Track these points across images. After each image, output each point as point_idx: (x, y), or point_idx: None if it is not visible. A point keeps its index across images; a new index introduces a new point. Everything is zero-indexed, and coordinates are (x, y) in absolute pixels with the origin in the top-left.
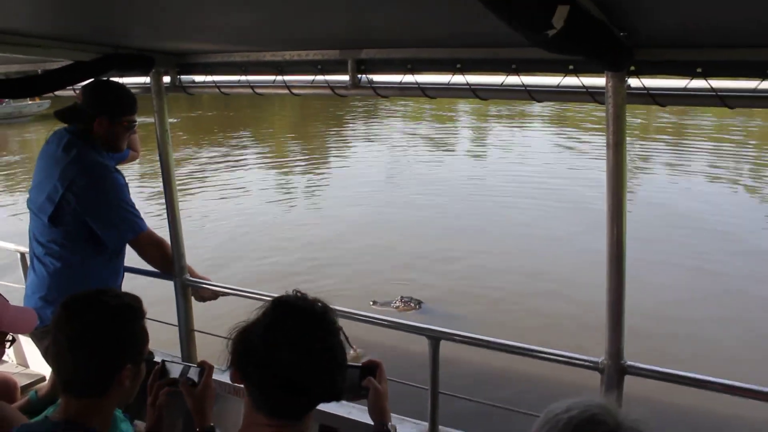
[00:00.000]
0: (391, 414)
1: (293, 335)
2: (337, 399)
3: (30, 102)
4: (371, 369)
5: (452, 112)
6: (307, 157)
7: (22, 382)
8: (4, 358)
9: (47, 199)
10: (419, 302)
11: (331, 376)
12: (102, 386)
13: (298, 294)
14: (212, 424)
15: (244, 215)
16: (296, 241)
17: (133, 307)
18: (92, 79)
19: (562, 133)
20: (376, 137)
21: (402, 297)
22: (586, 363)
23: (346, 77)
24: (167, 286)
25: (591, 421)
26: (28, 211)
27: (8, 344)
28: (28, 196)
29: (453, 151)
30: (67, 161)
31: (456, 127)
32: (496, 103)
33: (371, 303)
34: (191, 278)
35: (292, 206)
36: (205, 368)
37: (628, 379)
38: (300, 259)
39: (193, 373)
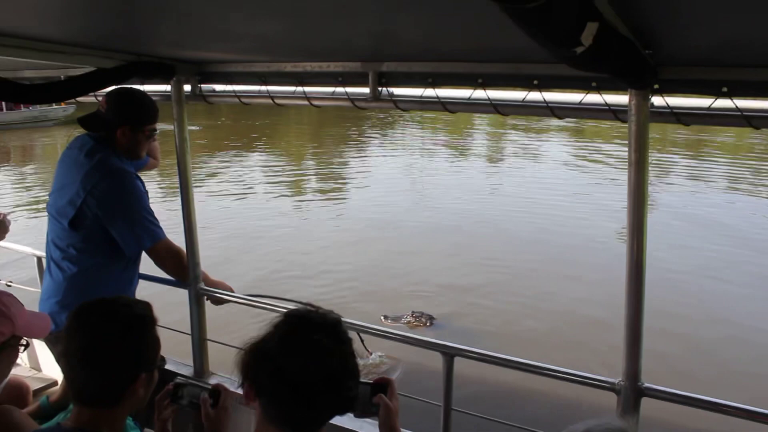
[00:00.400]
0: (404, 430)
1: (307, 347)
2: (350, 411)
3: (56, 106)
4: (382, 386)
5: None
6: (323, 167)
7: (34, 386)
8: (17, 361)
9: (69, 203)
10: (431, 318)
11: (344, 387)
12: (116, 397)
13: (310, 307)
14: None
15: (257, 223)
16: (312, 255)
17: (145, 317)
18: (116, 87)
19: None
20: (392, 146)
21: (413, 312)
22: (603, 384)
23: (366, 89)
24: (179, 293)
25: None
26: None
27: (22, 348)
28: (47, 200)
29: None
30: (90, 166)
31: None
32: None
33: (382, 318)
34: (205, 287)
35: (305, 218)
36: (221, 391)
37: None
38: (312, 271)
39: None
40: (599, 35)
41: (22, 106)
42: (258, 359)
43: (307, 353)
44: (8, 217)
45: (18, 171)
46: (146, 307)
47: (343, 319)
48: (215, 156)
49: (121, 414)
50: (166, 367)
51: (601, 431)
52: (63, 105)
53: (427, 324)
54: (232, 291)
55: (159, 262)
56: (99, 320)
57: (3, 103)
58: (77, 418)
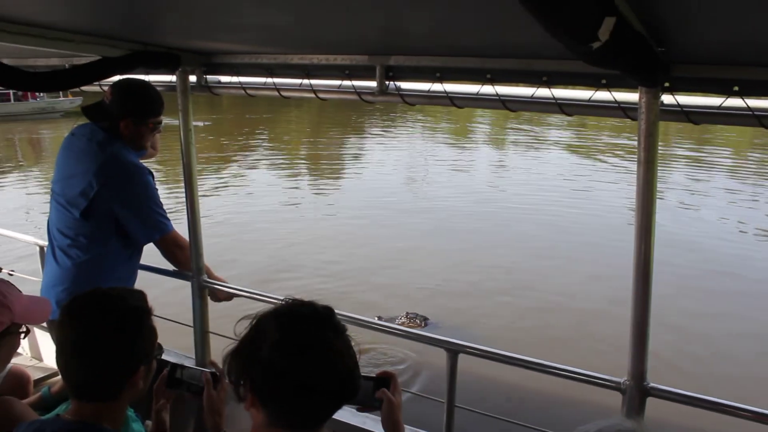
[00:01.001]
0: (407, 426)
1: (303, 341)
2: (352, 402)
3: (62, 98)
4: (385, 380)
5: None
6: (323, 161)
7: (35, 375)
8: (19, 350)
9: (81, 194)
10: (425, 319)
11: (350, 377)
12: (115, 391)
13: (296, 300)
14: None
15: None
16: (310, 254)
17: (139, 308)
18: (122, 78)
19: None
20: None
21: (408, 313)
22: (608, 383)
23: (373, 83)
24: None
25: None
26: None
27: (22, 335)
28: (52, 188)
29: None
30: (104, 159)
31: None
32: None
33: (376, 318)
34: (208, 279)
35: (301, 215)
36: (218, 373)
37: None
38: (313, 268)
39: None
40: (616, 31)
41: (29, 97)
42: (253, 362)
43: (307, 350)
44: None
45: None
46: (141, 297)
47: (351, 314)
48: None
49: (121, 407)
50: (168, 358)
51: None
52: (70, 97)
53: (421, 325)
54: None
55: (167, 254)
56: (93, 315)
57: (11, 94)
58: (77, 412)
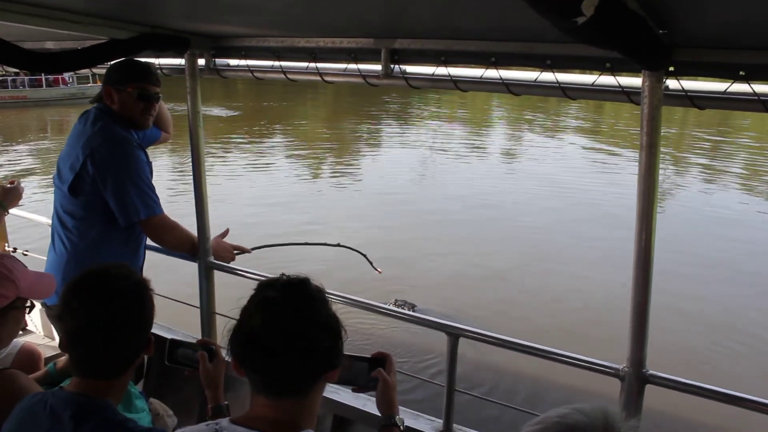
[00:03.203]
0: (407, 410)
1: (262, 304)
2: (348, 383)
3: (92, 84)
4: (381, 361)
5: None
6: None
7: (47, 353)
8: (31, 328)
9: (69, 168)
10: (413, 306)
11: (309, 339)
12: (122, 369)
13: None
14: (226, 402)
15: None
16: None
17: (140, 284)
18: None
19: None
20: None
21: (396, 300)
22: (607, 369)
23: (378, 66)
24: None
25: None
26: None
27: (28, 310)
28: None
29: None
30: (92, 132)
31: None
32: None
33: (393, 301)
34: (214, 261)
35: (312, 204)
36: (215, 347)
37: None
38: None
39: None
40: (602, 6)
41: (60, 82)
42: (232, 329)
43: (262, 310)
44: (21, 184)
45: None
46: (132, 272)
47: (343, 294)
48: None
49: (123, 383)
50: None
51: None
52: (99, 83)
53: (410, 311)
54: (247, 249)
55: (155, 237)
56: (97, 298)
57: (43, 80)
58: (80, 386)
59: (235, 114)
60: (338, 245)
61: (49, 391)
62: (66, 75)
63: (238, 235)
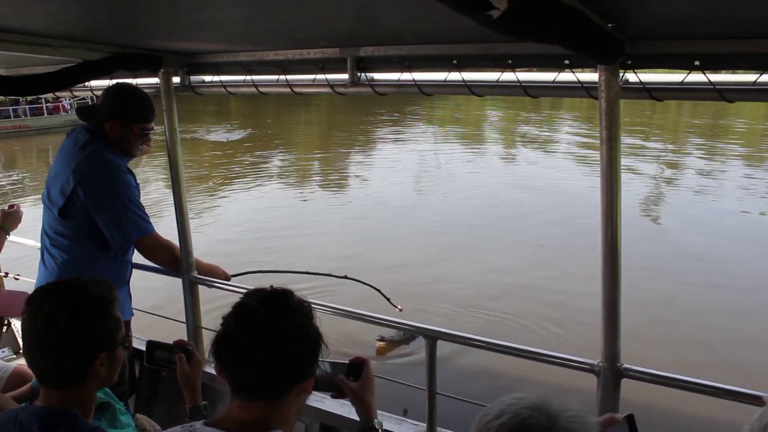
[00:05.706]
0: (390, 414)
1: (239, 310)
2: (307, 377)
3: None
4: (358, 366)
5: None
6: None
7: None
8: (22, 351)
9: (60, 192)
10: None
11: (280, 347)
12: (77, 378)
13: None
14: (204, 402)
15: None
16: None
17: (100, 298)
18: (116, 82)
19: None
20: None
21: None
22: (582, 365)
23: (345, 75)
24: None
25: (524, 427)
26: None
27: (4, 328)
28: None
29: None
30: (82, 157)
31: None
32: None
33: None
34: (198, 275)
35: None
36: (191, 348)
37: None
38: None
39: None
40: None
41: (61, 110)
42: (216, 337)
43: (239, 314)
44: (21, 208)
45: None
46: (104, 287)
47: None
48: None
49: (88, 392)
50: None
51: (512, 414)
52: None
53: None
54: (227, 275)
55: (149, 255)
56: (51, 304)
57: (44, 109)
58: (46, 399)
59: (239, 138)
60: (345, 277)
61: (20, 407)
62: (65, 102)
63: (255, 261)
